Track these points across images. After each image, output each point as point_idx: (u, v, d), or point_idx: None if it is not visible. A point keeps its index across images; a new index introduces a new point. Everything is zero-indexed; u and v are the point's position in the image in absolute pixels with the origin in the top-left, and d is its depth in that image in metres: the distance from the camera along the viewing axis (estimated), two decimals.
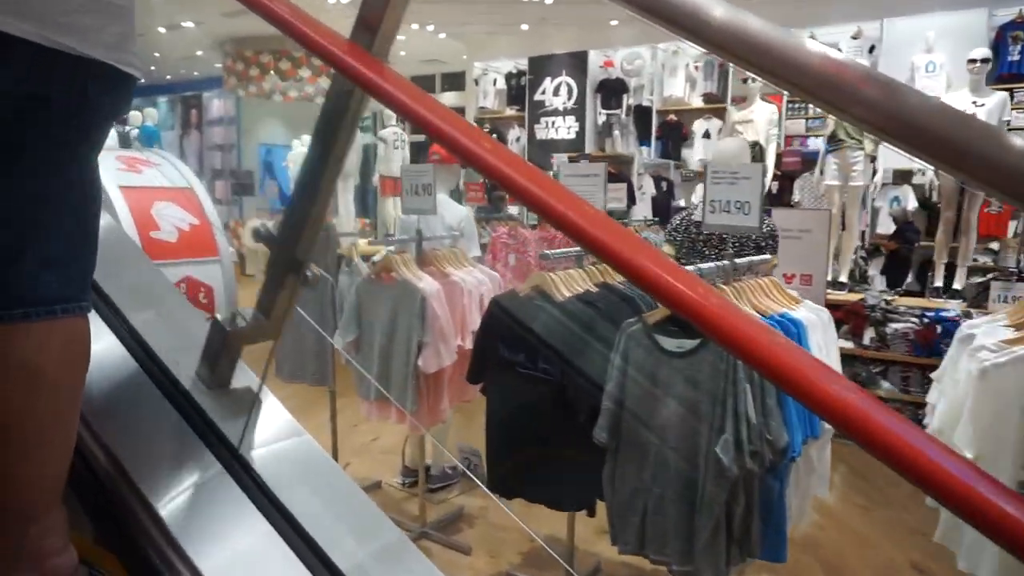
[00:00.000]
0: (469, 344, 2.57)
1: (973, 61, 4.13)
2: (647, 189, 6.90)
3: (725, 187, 1.93)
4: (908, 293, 4.93)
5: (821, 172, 4.48)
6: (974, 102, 4.07)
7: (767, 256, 2.13)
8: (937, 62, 6.77)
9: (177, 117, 12.25)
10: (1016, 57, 6.47)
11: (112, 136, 8.27)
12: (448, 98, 11.19)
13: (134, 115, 8.75)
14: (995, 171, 0.43)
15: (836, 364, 2.02)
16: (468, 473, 2.71)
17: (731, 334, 0.50)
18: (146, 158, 3.31)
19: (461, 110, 10.97)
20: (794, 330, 1.88)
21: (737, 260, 1.97)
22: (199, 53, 10.08)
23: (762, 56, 0.53)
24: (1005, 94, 4.34)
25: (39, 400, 0.83)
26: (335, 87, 0.98)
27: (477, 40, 9.56)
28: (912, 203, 6.49)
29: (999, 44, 6.63)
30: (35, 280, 0.81)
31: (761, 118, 4.74)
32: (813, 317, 1.97)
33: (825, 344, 1.98)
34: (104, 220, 1.78)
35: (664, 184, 7.22)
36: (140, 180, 3.10)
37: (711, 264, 1.86)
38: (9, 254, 0.79)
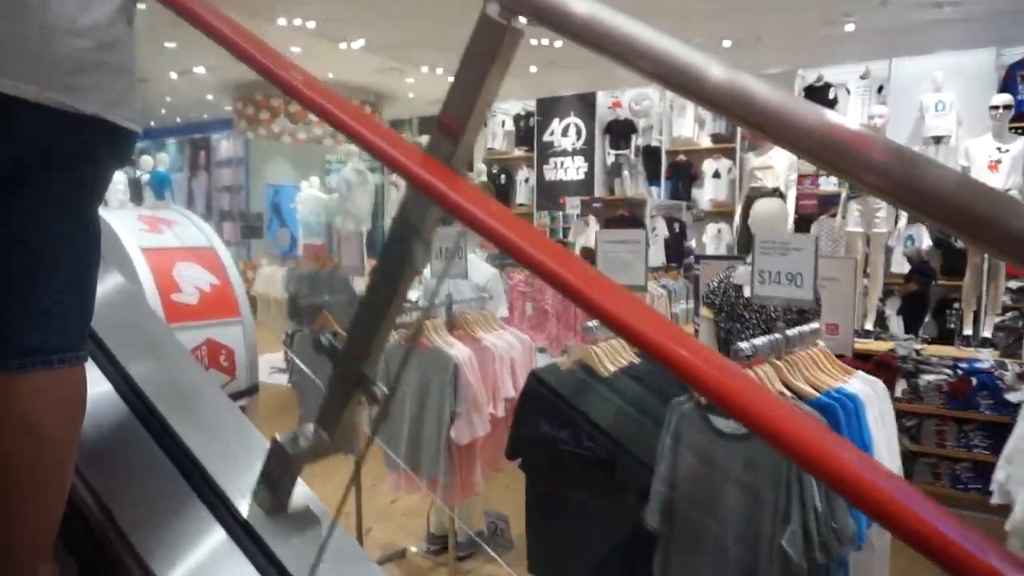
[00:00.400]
0: (501, 411, 2.50)
1: (995, 107, 4.11)
2: (660, 231, 6.87)
3: (776, 258, 1.88)
4: (936, 340, 4.84)
5: (843, 217, 4.44)
6: (999, 148, 4.04)
7: (816, 326, 2.06)
8: (947, 101, 6.79)
9: (186, 159, 12.32)
10: None
11: (123, 182, 8.29)
12: None
13: (145, 160, 8.78)
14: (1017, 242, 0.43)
15: (894, 438, 1.94)
16: (487, 548, 2.59)
17: (739, 403, 0.49)
18: (168, 217, 3.27)
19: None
20: (852, 406, 1.80)
21: (788, 331, 1.90)
22: (209, 97, 10.18)
23: (756, 115, 0.53)
24: None
25: (34, 449, 0.83)
26: (409, 195, 0.93)
27: None
28: (927, 242, 6.44)
29: (1008, 83, 6.66)
30: (32, 329, 0.82)
31: (780, 164, 4.70)
32: (868, 390, 1.90)
33: (882, 418, 1.90)
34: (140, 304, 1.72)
35: (676, 225, 7.19)
36: (162, 241, 3.06)
37: (764, 339, 1.80)
38: (6, 302, 0.81)
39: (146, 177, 8.53)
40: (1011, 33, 6.58)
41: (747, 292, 2.32)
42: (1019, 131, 5.46)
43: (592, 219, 6.79)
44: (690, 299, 5.15)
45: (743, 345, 1.73)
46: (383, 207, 7.57)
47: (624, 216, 6.59)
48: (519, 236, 0.69)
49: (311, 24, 7.15)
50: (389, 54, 8.28)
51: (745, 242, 4.68)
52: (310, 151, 11.26)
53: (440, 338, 2.42)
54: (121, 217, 3.13)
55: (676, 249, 7.14)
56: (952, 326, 6.64)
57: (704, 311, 2.42)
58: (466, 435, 2.36)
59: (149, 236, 3.04)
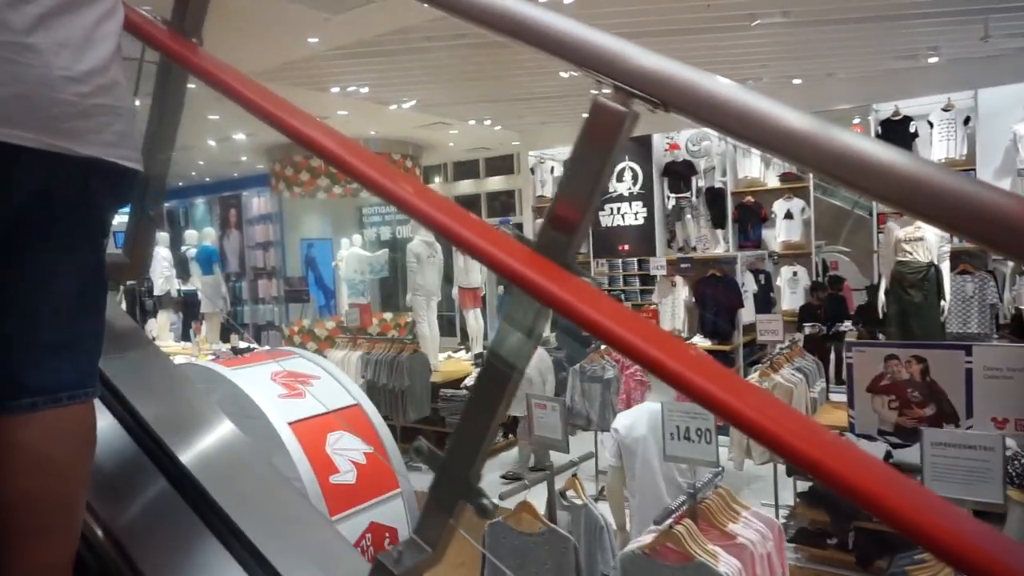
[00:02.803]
0: None
1: None
2: (749, 286, 6.46)
3: None
4: None
5: (1010, 292, 4.02)
6: None
7: None
8: None
9: (215, 218, 11.96)
10: None
11: (168, 258, 7.90)
12: (496, 182, 10.90)
13: (189, 234, 8.40)
14: None
15: None
16: None
17: None
18: (300, 371, 2.86)
19: (511, 193, 10.67)
20: None
21: None
22: (243, 158, 9.84)
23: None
24: None
25: (45, 488, 0.83)
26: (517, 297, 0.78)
27: (531, 129, 9.28)
28: None
29: None
30: (40, 368, 0.83)
31: (932, 232, 4.20)
32: None
33: None
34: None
35: (762, 277, 6.79)
36: (306, 408, 2.64)
37: None
38: (14, 343, 0.82)
39: (192, 252, 8.14)
40: None
41: None
42: None
43: (679, 279, 6.38)
44: (821, 376, 4.70)
45: None
46: (451, 275, 7.16)
47: (715, 275, 6.18)
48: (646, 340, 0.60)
49: (364, 89, 6.82)
50: (437, 112, 7.96)
51: (897, 313, 4.25)
52: (344, 203, 10.92)
53: (699, 547, 1.99)
54: (254, 380, 2.70)
55: (764, 302, 6.74)
56: None
57: (1015, 494, 2.00)
58: None
59: (292, 404, 2.63)
